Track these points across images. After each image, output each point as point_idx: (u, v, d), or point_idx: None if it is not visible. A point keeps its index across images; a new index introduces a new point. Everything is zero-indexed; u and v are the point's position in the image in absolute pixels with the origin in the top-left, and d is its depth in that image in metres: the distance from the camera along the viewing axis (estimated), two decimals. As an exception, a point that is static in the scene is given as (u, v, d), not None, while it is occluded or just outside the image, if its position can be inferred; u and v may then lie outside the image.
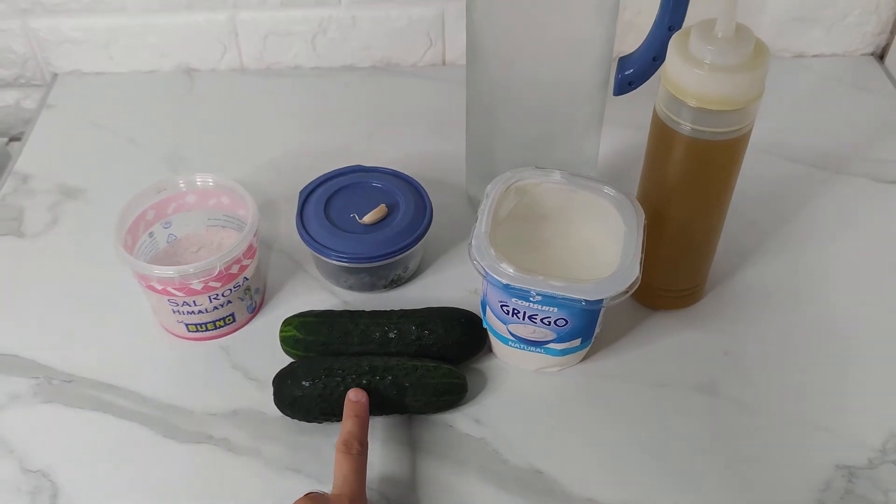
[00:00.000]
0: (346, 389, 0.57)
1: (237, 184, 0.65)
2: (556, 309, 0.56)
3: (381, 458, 0.58)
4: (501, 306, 0.57)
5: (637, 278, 0.55)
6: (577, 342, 0.59)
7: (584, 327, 0.58)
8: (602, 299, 0.54)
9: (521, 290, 0.55)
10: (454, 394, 0.59)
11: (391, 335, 0.60)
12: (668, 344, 0.65)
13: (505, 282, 0.55)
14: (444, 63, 0.91)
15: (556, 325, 0.57)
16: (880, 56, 0.92)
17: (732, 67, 0.53)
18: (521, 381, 0.62)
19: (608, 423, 0.60)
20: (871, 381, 0.62)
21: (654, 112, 0.58)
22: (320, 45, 0.89)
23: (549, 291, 0.54)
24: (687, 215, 0.61)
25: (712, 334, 0.65)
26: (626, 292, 0.54)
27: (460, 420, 0.60)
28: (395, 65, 0.91)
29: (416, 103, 0.87)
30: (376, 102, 0.87)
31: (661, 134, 0.58)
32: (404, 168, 0.73)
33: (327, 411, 0.58)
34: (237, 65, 0.90)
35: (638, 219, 0.58)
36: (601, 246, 0.59)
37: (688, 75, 0.54)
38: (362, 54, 0.90)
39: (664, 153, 0.58)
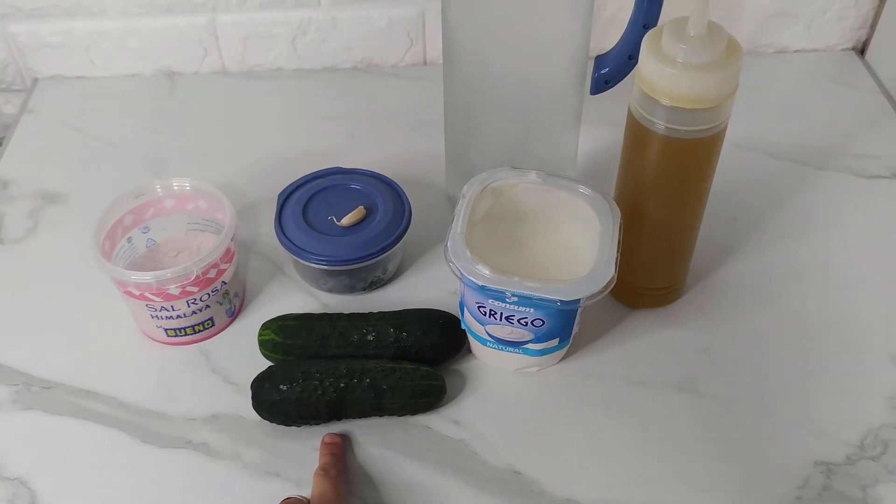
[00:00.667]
0: (324, 393, 0.57)
1: (214, 188, 0.65)
2: (532, 310, 0.56)
3: (359, 460, 0.58)
4: (478, 307, 0.57)
5: (613, 278, 0.55)
6: (555, 342, 0.59)
7: (562, 327, 0.58)
8: (578, 299, 0.54)
9: (496, 291, 0.55)
10: (432, 396, 0.59)
11: (369, 338, 0.60)
12: (647, 342, 0.65)
13: (480, 283, 0.54)
14: (425, 63, 0.91)
15: (534, 325, 0.57)
16: (861, 51, 0.92)
17: (705, 66, 0.53)
18: (500, 381, 0.62)
19: (588, 423, 0.60)
20: (849, 377, 0.62)
21: (629, 111, 0.58)
22: (301, 47, 0.89)
23: (525, 292, 0.54)
24: (664, 214, 0.61)
25: (692, 332, 0.65)
26: (602, 292, 0.54)
27: (439, 422, 0.60)
28: (375, 65, 0.91)
29: (398, 103, 0.87)
30: (358, 103, 0.87)
31: (636, 133, 0.57)
32: (386, 168, 0.73)
33: (306, 415, 0.58)
34: (218, 67, 0.90)
35: (614, 218, 0.58)
36: (578, 246, 0.59)
37: (661, 74, 0.54)
38: (343, 55, 0.90)
39: (639, 152, 0.58)
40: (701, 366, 0.63)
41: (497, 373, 0.63)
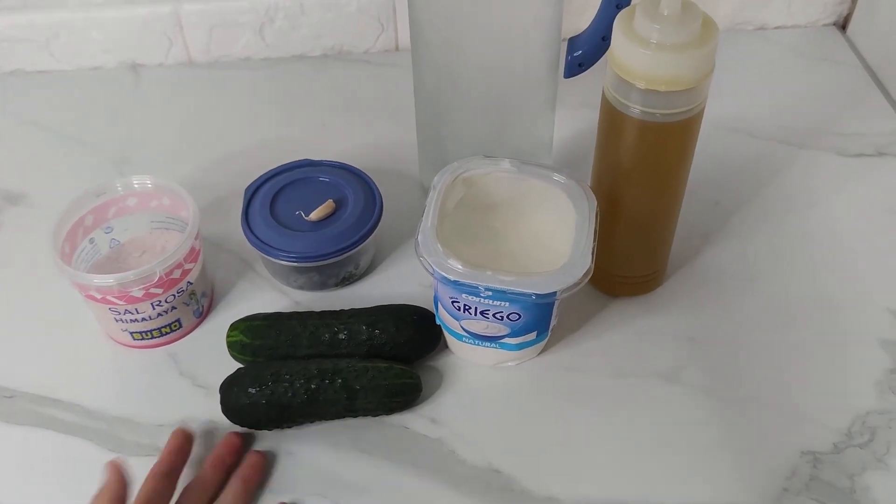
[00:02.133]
0: (294, 395, 0.55)
1: (177, 185, 0.63)
2: (507, 304, 0.54)
3: (333, 462, 0.56)
4: (452, 302, 0.55)
5: (589, 269, 0.53)
6: (532, 336, 0.57)
7: (539, 321, 0.56)
8: (554, 292, 0.52)
9: (469, 286, 0.53)
10: (408, 394, 0.57)
11: (341, 336, 0.58)
12: (628, 332, 0.63)
13: (453, 278, 0.53)
14: (397, 48, 0.88)
15: (510, 319, 0.55)
16: (842, 26, 0.90)
17: (680, 46, 0.51)
18: (478, 377, 0.61)
19: (568, 417, 0.58)
20: (836, 363, 0.61)
21: (603, 95, 0.56)
22: (269, 35, 0.86)
23: (499, 286, 0.52)
24: (642, 200, 0.59)
25: (674, 320, 0.63)
26: (578, 284, 0.52)
27: (415, 420, 0.58)
28: (346, 52, 0.88)
29: (371, 91, 0.84)
30: (329, 92, 0.85)
31: (611, 118, 0.55)
32: (359, 158, 0.70)
33: (276, 418, 0.56)
34: (184, 58, 0.88)
35: (590, 206, 0.56)
36: (553, 235, 0.57)
37: (634, 56, 0.52)
38: (313, 43, 0.87)
39: (615, 137, 0.56)
40: (685, 355, 0.61)
41: (474, 368, 0.61)
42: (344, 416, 0.58)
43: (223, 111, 0.83)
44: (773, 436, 0.57)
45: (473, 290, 0.53)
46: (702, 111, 0.55)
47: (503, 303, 0.54)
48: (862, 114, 0.80)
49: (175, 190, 0.63)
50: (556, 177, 0.58)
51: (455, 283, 0.53)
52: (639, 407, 0.59)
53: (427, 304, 0.61)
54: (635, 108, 0.53)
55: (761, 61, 0.86)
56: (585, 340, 0.62)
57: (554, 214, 0.57)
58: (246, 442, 0.57)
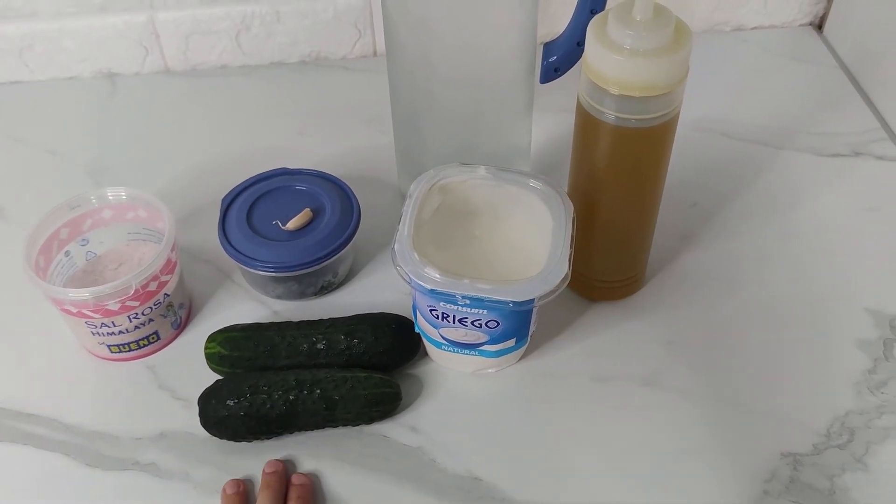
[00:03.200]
0: (272, 406, 0.55)
1: (153, 196, 0.62)
2: (485, 311, 0.54)
3: (313, 473, 0.56)
4: (430, 311, 0.55)
5: (566, 276, 0.53)
6: (511, 342, 0.57)
7: (517, 327, 0.56)
8: (531, 300, 0.52)
9: (447, 294, 0.53)
10: (387, 403, 0.57)
11: (319, 346, 0.58)
12: (608, 337, 0.63)
13: (430, 287, 0.52)
14: (374, 54, 0.88)
15: (488, 326, 0.55)
16: (818, 26, 0.90)
17: (653, 51, 0.51)
18: (458, 384, 0.60)
19: (549, 423, 0.58)
20: (815, 364, 0.61)
21: (578, 101, 0.56)
22: (245, 43, 0.86)
23: (476, 294, 0.52)
24: (619, 205, 0.59)
25: (654, 324, 0.63)
26: (555, 291, 0.52)
27: (396, 429, 0.58)
28: (324, 58, 0.88)
29: (348, 97, 0.84)
30: (306, 99, 0.84)
31: (586, 123, 0.55)
32: (337, 166, 0.70)
33: (255, 430, 0.56)
34: (161, 67, 0.87)
35: (566, 212, 0.56)
36: (530, 242, 0.57)
37: (608, 62, 0.52)
38: (290, 49, 0.87)
39: (591, 143, 0.56)
40: (664, 358, 0.61)
41: (454, 376, 0.61)
42: (323, 427, 0.57)
43: (200, 120, 0.83)
44: (752, 438, 0.57)
45: (451, 299, 0.53)
46: (677, 115, 0.55)
47: (481, 310, 0.54)
48: (838, 113, 0.80)
49: (151, 201, 0.62)
50: (533, 183, 0.58)
51: (432, 291, 0.53)
52: (619, 411, 0.59)
53: (406, 312, 0.61)
54: (610, 114, 0.53)
55: (738, 62, 0.87)
56: (565, 345, 0.62)
57: (530, 221, 0.57)
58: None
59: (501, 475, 0.55)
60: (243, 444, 0.57)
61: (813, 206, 0.72)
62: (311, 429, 0.57)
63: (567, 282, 0.53)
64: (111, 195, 0.63)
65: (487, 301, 0.52)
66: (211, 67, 0.88)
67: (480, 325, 0.55)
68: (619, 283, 0.64)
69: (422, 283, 0.52)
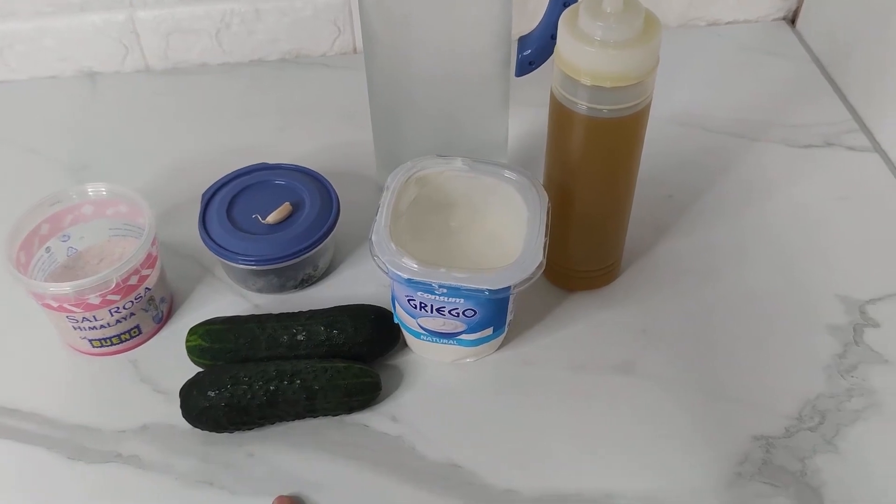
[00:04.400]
0: (253, 397, 0.56)
1: (133, 192, 0.63)
2: (462, 300, 0.54)
3: (294, 462, 0.56)
4: (408, 300, 0.56)
5: (541, 264, 0.54)
6: (489, 331, 0.58)
7: (494, 316, 0.57)
8: (507, 287, 0.53)
9: (424, 283, 0.53)
10: (367, 393, 0.58)
11: (299, 338, 0.59)
12: (584, 326, 0.64)
13: (407, 276, 0.53)
14: (354, 51, 0.89)
15: (465, 315, 0.56)
16: (791, 20, 0.91)
17: (624, 42, 0.52)
18: (437, 374, 0.61)
19: (526, 411, 0.59)
20: (787, 350, 0.62)
21: (551, 93, 0.57)
22: (225, 41, 0.86)
23: (453, 283, 0.53)
24: (594, 195, 0.60)
25: (629, 313, 0.65)
26: (530, 279, 0.53)
27: (375, 419, 0.59)
28: (304, 56, 0.89)
29: (328, 94, 0.85)
30: (287, 96, 0.85)
31: (560, 115, 0.56)
32: (317, 161, 0.71)
33: (236, 420, 0.56)
34: (141, 66, 0.88)
35: (542, 202, 0.57)
36: (506, 232, 0.58)
37: (579, 53, 0.53)
38: (270, 47, 0.88)
39: (564, 134, 0.57)
40: (639, 347, 0.62)
41: (433, 365, 0.62)
42: (304, 417, 0.58)
43: (181, 117, 0.83)
44: (726, 422, 0.58)
45: (428, 288, 0.54)
46: (648, 106, 0.56)
47: (458, 299, 0.54)
48: (810, 106, 0.82)
49: (131, 197, 0.63)
50: (508, 174, 0.58)
51: (409, 281, 0.53)
52: (595, 399, 0.60)
53: (385, 304, 0.62)
54: (582, 105, 0.54)
55: (713, 56, 0.88)
56: (542, 335, 0.63)
57: (506, 212, 0.58)
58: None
59: (480, 463, 0.56)
60: (225, 434, 0.58)
61: (786, 197, 0.73)
62: (292, 419, 0.58)
63: (542, 270, 0.54)
64: (91, 191, 0.63)
65: (464, 290, 0.53)
66: (191, 65, 0.88)
67: (458, 314, 0.56)
68: (594, 272, 0.65)
69: (399, 273, 0.53)
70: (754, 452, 0.56)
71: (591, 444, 0.57)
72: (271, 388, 0.56)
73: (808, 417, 0.58)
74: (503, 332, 0.60)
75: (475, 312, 0.56)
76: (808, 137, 0.78)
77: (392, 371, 0.61)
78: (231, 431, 0.58)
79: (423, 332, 0.58)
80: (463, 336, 0.58)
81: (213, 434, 0.58)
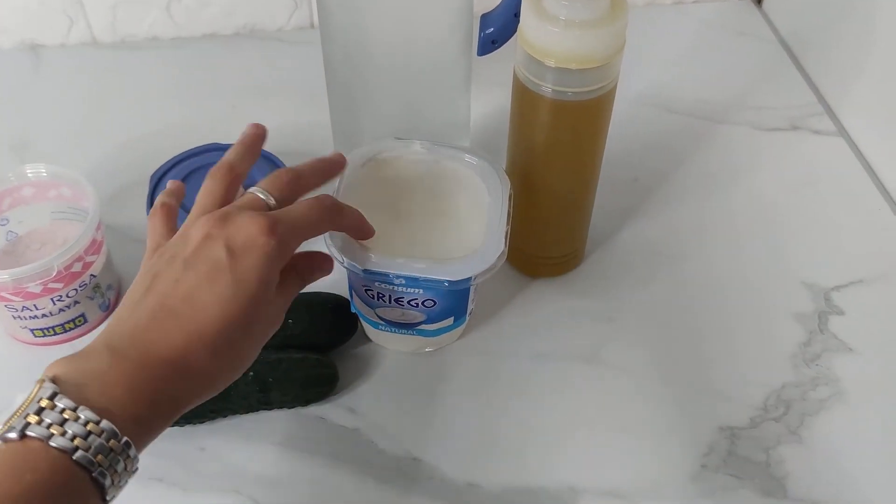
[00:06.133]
0: (204, 390, 0.53)
1: (77, 173, 0.60)
2: (421, 290, 0.53)
3: (247, 457, 0.54)
4: (366, 291, 0.54)
5: (502, 253, 0.52)
6: (449, 321, 0.56)
7: (455, 306, 0.55)
8: (468, 279, 0.51)
9: (381, 274, 0.51)
10: (324, 385, 0.56)
11: (253, 328, 0.56)
12: (548, 313, 0.62)
13: (363, 267, 0.51)
14: (312, 26, 0.86)
15: (425, 306, 0.54)
16: (758, 0, 0.90)
17: (590, 22, 0.50)
18: (396, 364, 0.59)
19: (488, 403, 0.58)
20: (753, 338, 0.61)
21: (514, 74, 0.55)
22: (177, 13, 0.83)
23: (411, 274, 0.51)
24: (558, 179, 0.58)
25: (593, 300, 0.63)
26: (492, 269, 0.51)
27: (333, 411, 0.57)
28: (259, 30, 0.85)
29: (284, 70, 0.82)
30: (241, 72, 0.82)
31: (523, 97, 0.54)
32: (272, 141, 0.67)
33: (186, 414, 0.53)
34: (88, 38, 0.84)
35: (503, 188, 0.55)
36: (467, 219, 0.56)
37: (544, 34, 0.50)
38: (224, 21, 0.84)
39: (528, 117, 0.55)
40: (604, 334, 0.61)
41: (393, 355, 0.60)
42: (258, 410, 0.56)
43: (129, 93, 0.80)
44: (691, 413, 0.57)
45: (385, 279, 0.52)
46: (614, 88, 0.54)
47: (417, 290, 0.52)
48: (776, 88, 0.81)
49: (74, 179, 0.60)
50: (469, 158, 0.56)
51: (366, 272, 0.51)
52: (559, 390, 0.58)
53: (343, 292, 0.60)
54: (546, 87, 0.52)
55: (679, 36, 0.86)
56: (505, 323, 0.62)
57: (467, 198, 0.56)
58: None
59: (441, 456, 0.55)
60: (174, 428, 0.55)
61: (752, 181, 0.72)
62: (245, 412, 0.56)
63: (503, 260, 0.52)
64: (31, 172, 0.60)
65: (423, 280, 0.51)
66: (141, 39, 0.84)
67: (417, 304, 0.54)
68: (558, 259, 0.63)
69: (355, 263, 0.51)
70: (719, 443, 0.55)
71: (554, 436, 0.56)
72: (223, 380, 0.54)
73: (773, 407, 0.57)
74: (464, 321, 0.58)
75: (435, 303, 0.54)
76: (773, 120, 0.77)
77: (350, 361, 0.59)
78: (181, 425, 0.55)
79: (382, 322, 0.56)
80: (423, 326, 0.56)
81: (163, 428, 0.55)
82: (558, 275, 0.64)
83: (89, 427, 0.36)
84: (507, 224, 0.53)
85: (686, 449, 0.55)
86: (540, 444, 0.55)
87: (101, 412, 0.37)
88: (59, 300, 0.57)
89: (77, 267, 0.57)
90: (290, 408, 0.56)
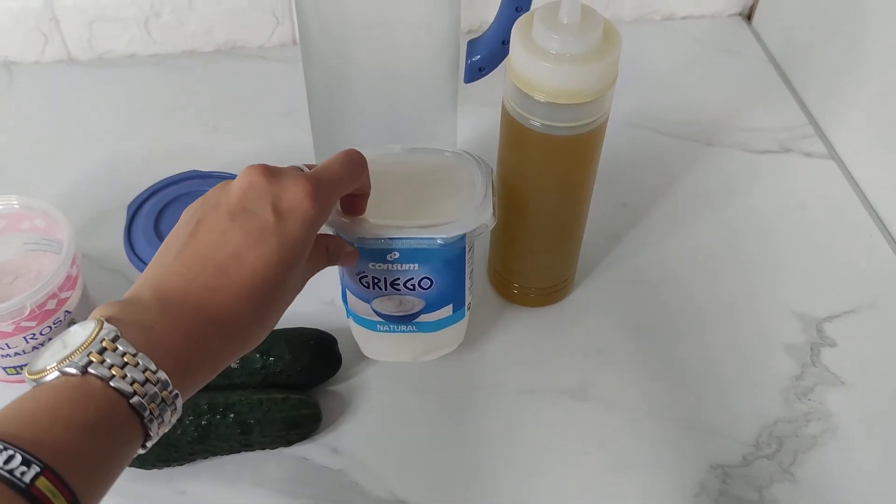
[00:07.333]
0: (183, 432, 0.52)
1: (49, 205, 0.58)
2: (416, 265, 0.51)
3: (229, 500, 0.53)
4: (360, 279, 0.52)
5: (492, 216, 0.50)
6: (448, 310, 0.54)
7: (452, 287, 0.53)
8: (461, 236, 0.50)
9: (375, 248, 0.50)
10: (307, 425, 0.54)
11: (233, 365, 0.55)
12: (537, 345, 0.61)
13: (358, 236, 0.49)
14: (294, 43, 0.84)
15: (422, 287, 0.52)
16: (748, 16, 0.89)
17: (581, 57, 0.48)
18: (381, 401, 0.58)
19: (475, 439, 0.56)
20: (744, 371, 0.60)
21: (503, 106, 0.53)
22: (155, 31, 0.81)
23: (405, 235, 0.49)
24: (547, 213, 0.57)
25: (583, 331, 0.62)
26: (483, 228, 0.50)
27: (316, 451, 0.55)
28: (240, 48, 0.84)
29: (266, 89, 0.80)
30: (221, 91, 0.80)
31: (512, 129, 0.53)
32: (253, 162, 0.66)
33: (164, 457, 0.52)
34: (63, 56, 0.81)
35: (482, 171, 0.53)
36: (452, 198, 0.53)
37: (534, 67, 0.49)
38: (203, 38, 0.82)
39: (516, 149, 0.54)
40: (593, 368, 0.60)
41: (377, 393, 0.58)
42: (239, 451, 0.54)
43: (106, 114, 0.78)
44: (682, 450, 0.56)
45: (379, 256, 0.50)
46: (605, 121, 0.53)
47: (412, 265, 0.51)
48: (767, 108, 0.79)
49: (47, 210, 0.58)
50: (448, 154, 0.55)
51: (360, 241, 0.50)
52: (546, 425, 0.57)
53: (326, 325, 0.58)
54: (536, 121, 0.51)
55: (667, 53, 0.85)
56: (493, 356, 0.60)
57: (449, 184, 0.54)
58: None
59: (426, 496, 0.53)
60: (154, 471, 0.54)
61: (743, 205, 0.71)
62: (227, 453, 0.54)
63: (494, 222, 0.50)
64: (1, 204, 0.58)
65: (417, 248, 0.50)
66: (118, 56, 0.82)
67: (413, 286, 0.52)
68: (547, 290, 0.62)
69: (349, 236, 0.50)
70: (711, 482, 0.54)
71: (542, 473, 0.55)
72: (202, 422, 0.52)
73: (765, 444, 0.56)
74: (464, 315, 0.56)
75: (431, 282, 0.52)
76: (764, 143, 0.76)
77: (333, 398, 0.58)
78: (160, 468, 0.54)
79: (380, 319, 0.54)
80: (422, 317, 0.54)
81: (141, 470, 0.54)
82: (548, 305, 0.63)
83: (146, 375, 0.36)
84: (494, 196, 0.52)
85: (676, 488, 0.54)
86: (526, 483, 0.54)
87: (157, 362, 0.37)
88: (32, 338, 0.55)
89: (51, 304, 0.55)
90: (272, 448, 0.55)
